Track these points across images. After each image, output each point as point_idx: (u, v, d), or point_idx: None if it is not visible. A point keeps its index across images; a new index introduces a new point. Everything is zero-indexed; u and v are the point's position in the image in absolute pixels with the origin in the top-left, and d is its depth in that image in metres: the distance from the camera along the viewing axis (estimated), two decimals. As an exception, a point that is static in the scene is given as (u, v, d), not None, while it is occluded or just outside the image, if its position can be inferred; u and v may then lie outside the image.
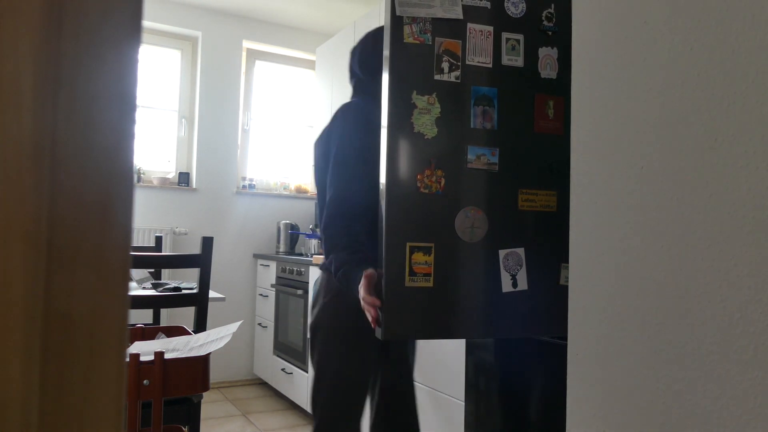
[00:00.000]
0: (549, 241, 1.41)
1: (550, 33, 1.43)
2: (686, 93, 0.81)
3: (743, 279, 0.73)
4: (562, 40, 1.43)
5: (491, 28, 1.39)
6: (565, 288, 1.36)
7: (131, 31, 0.27)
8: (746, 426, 0.72)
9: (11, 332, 0.25)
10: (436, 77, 1.36)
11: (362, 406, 1.67)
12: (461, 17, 1.37)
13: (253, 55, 4.44)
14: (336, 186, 1.57)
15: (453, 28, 1.37)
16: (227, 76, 4.24)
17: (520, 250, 1.39)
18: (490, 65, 1.39)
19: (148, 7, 4.00)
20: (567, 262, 1.34)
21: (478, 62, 1.38)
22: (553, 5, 1.43)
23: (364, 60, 1.74)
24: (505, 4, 1.41)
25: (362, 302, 1.37)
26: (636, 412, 0.85)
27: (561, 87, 1.43)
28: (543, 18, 1.42)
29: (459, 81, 1.37)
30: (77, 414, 0.26)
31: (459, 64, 1.37)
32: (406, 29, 1.35)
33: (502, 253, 1.38)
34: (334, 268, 1.53)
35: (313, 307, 1.71)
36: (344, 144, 1.59)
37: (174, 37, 4.16)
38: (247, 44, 4.37)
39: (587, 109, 0.96)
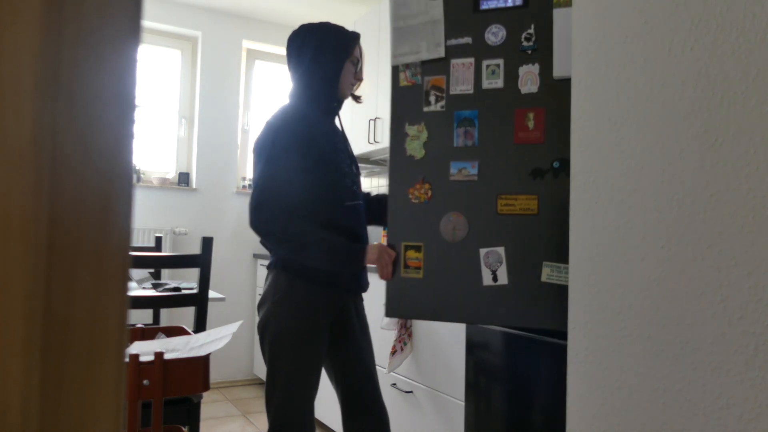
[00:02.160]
0: (530, 241, 1.52)
1: (530, 51, 1.54)
2: (686, 93, 0.81)
3: (743, 279, 0.73)
4: (542, 55, 1.53)
5: (472, 59, 1.59)
6: (547, 285, 1.49)
7: (131, 31, 0.27)
8: (746, 426, 0.72)
9: (11, 332, 0.25)
10: (425, 109, 1.63)
11: (314, 400, 1.69)
12: (443, 56, 1.61)
13: (253, 55, 4.44)
14: (286, 193, 1.61)
15: (438, 66, 1.62)
16: (227, 76, 4.24)
17: (500, 249, 1.55)
18: (471, 91, 1.59)
19: (148, 7, 4.00)
20: (549, 260, 1.48)
21: (461, 90, 1.60)
22: (532, 25, 1.54)
23: (292, 62, 1.77)
24: (486, 35, 1.58)
25: (377, 258, 1.61)
26: (636, 412, 0.85)
27: (542, 99, 1.53)
28: (522, 39, 1.55)
29: (444, 109, 1.62)
30: (77, 414, 0.26)
31: (444, 95, 1.62)
32: (401, 75, 1.66)
33: (482, 251, 1.56)
34: (328, 251, 1.61)
35: (261, 306, 1.71)
36: (286, 157, 1.63)
37: (174, 37, 4.16)
38: (247, 44, 4.37)
39: (587, 109, 0.96)
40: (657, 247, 0.83)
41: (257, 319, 4.38)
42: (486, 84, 1.57)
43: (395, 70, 1.66)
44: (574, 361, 0.97)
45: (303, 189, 1.63)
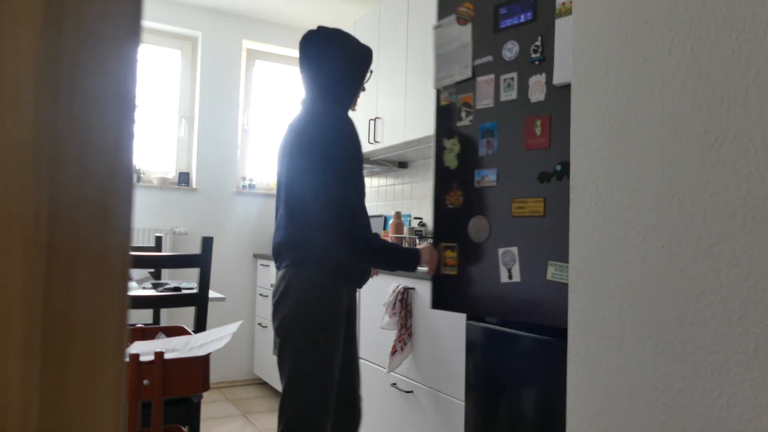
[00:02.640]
0: (538, 241, 1.62)
1: (537, 62, 1.65)
2: (686, 93, 0.81)
3: (743, 279, 0.73)
4: (548, 65, 1.63)
5: (492, 76, 1.77)
6: (552, 283, 1.56)
7: (131, 31, 0.27)
8: (746, 426, 0.72)
9: (11, 332, 0.25)
10: (458, 124, 1.86)
11: (334, 400, 1.72)
12: (470, 76, 1.82)
13: (253, 55, 4.44)
14: (349, 192, 1.66)
15: (467, 85, 1.84)
16: (227, 76, 4.24)
17: (514, 249, 1.68)
18: (492, 105, 1.76)
19: (148, 7, 3.99)
20: (554, 260, 1.57)
21: (484, 105, 1.78)
22: (539, 38, 1.65)
23: (313, 61, 1.79)
24: (503, 52, 1.74)
25: (429, 258, 1.82)
26: (636, 412, 0.85)
27: (548, 106, 1.62)
28: (531, 51, 1.67)
29: (472, 123, 1.82)
30: (77, 414, 0.26)
31: (472, 110, 1.82)
32: (441, 96, 1.92)
33: (500, 251, 1.71)
34: (403, 255, 1.75)
35: (279, 304, 1.72)
36: (350, 162, 1.69)
37: (174, 37, 4.16)
38: (247, 44, 4.37)
39: (587, 110, 0.96)
40: (657, 247, 0.83)
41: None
42: (503, 97, 1.73)
43: (438, 93, 1.92)
44: (574, 361, 0.97)
45: (360, 193, 1.72)
